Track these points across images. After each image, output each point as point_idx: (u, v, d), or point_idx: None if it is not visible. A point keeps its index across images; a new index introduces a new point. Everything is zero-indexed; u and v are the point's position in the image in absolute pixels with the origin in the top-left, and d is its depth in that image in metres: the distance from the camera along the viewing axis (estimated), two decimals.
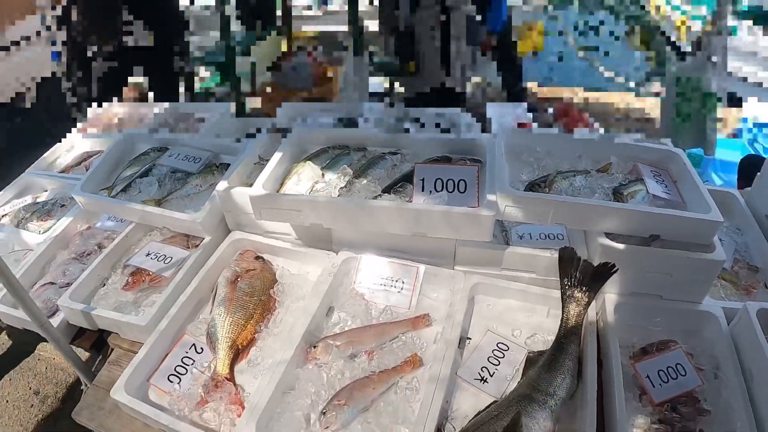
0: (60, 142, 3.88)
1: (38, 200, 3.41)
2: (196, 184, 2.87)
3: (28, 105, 6.63)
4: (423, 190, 2.31)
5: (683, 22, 6.30)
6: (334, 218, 2.33)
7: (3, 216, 3.31)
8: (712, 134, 4.74)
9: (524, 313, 2.38)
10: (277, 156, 2.53)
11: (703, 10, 6.08)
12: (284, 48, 6.17)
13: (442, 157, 2.58)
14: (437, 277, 2.41)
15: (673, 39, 6.33)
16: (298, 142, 2.71)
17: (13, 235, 3.10)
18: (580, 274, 2.18)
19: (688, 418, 1.95)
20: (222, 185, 2.53)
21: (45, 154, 3.78)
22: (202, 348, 2.26)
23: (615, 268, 2.17)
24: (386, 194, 2.37)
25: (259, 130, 3.47)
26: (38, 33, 6.52)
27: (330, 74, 5.83)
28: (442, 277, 2.41)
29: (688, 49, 5.63)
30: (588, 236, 2.45)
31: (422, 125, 3.04)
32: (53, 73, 6.63)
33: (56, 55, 6.16)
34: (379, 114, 3.15)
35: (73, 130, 4.00)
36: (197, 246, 2.70)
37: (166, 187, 2.89)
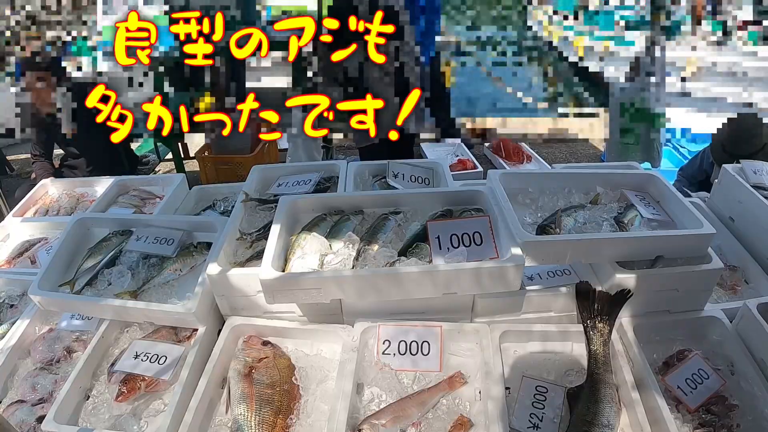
0: None
1: None
2: (174, 269, 2.61)
3: None
4: (440, 248, 2.24)
5: (580, 41, 6.57)
6: (360, 291, 2.18)
7: None
8: (659, 148, 5.05)
9: (551, 352, 2.37)
10: (275, 230, 2.35)
11: (599, 30, 6.35)
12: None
13: (445, 211, 2.52)
14: (461, 333, 2.33)
15: (571, 58, 6.59)
16: (290, 212, 2.54)
17: None
18: (599, 305, 2.26)
19: (722, 416, 2.07)
20: (213, 268, 2.32)
21: None
22: None
23: (630, 294, 2.26)
24: (403, 257, 2.26)
25: (213, 205, 3.29)
26: None
27: (267, 134, 5.66)
28: (466, 332, 2.33)
29: (592, 68, 5.91)
30: (596, 266, 2.50)
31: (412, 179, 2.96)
32: None
33: None
34: (356, 171, 3.03)
35: (7, 216, 3.63)
36: (189, 338, 2.47)
37: (140, 276, 2.62)
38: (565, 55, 6.79)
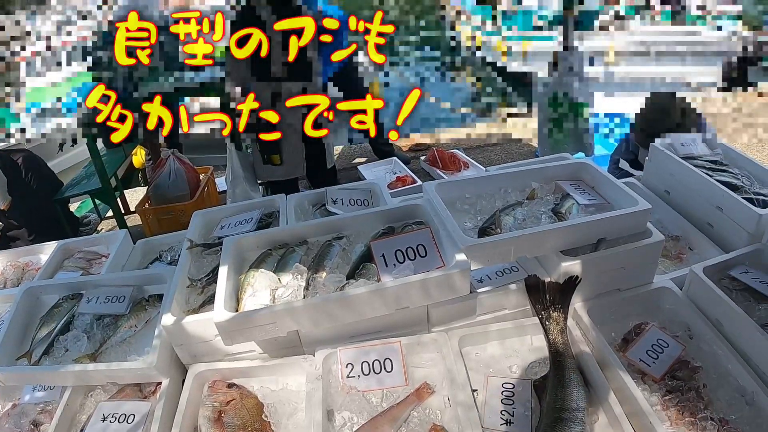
0: None
1: None
2: (129, 325, 2.58)
3: None
4: (387, 266, 2.27)
5: (501, 44, 6.70)
6: (313, 320, 2.20)
7: None
8: (589, 138, 5.18)
9: (510, 349, 2.42)
10: (223, 272, 2.35)
11: (517, 30, 6.49)
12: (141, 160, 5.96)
13: (387, 229, 2.55)
14: (420, 345, 2.36)
15: (495, 62, 6.72)
16: (236, 252, 2.54)
17: None
18: (550, 296, 2.32)
19: (688, 379, 2.14)
20: (168, 319, 2.30)
21: None
22: None
23: (579, 280, 2.33)
24: (352, 280, 2.28)
25: (160, 256, 3.27)
26: None
27: (205, 177, 5.65)
28: (425, 343, 2.36)
29: (514, 68, 6.06)
30: (542, 259, 2.57)
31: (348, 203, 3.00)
32: None
33: None
34: (296, 203, 3.06)
35: None
36: (154, 393, 2.44)
37: (96, 338, 2.59)
38: (488, 59, 6.92)
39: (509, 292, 2.42)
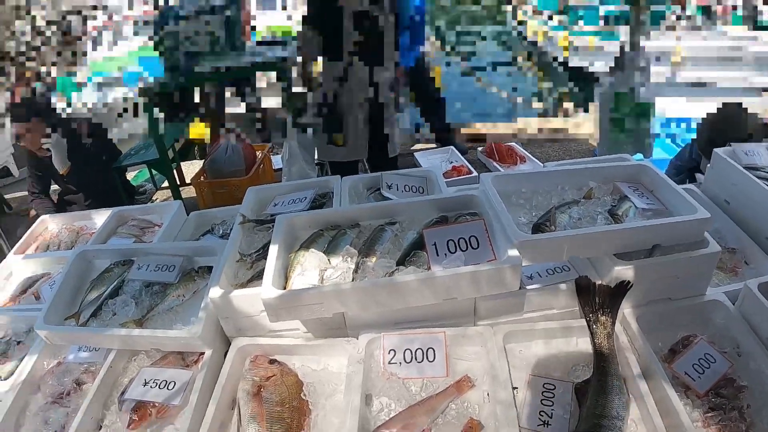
0: None
1: None
2: (177, 294, 2.62)
3: None
4: (438, 255, 2.24)
5: (566, 38, 6.59)
6: (361, 303, 2.20)
7: None
8: (649, 139, 5.05)
9: (555, 349, 2.37)
10: (273, 249, 2.37)
11: (583, 26, 6.38)
12: (209, 134, 6.03)
13: (440, 218, 2.53)
14: (465, 337, 2.33)
15: (558, 56, 6.63)
16: (287, 230, 2.55)
17: None
18: (600, 299, 2.26)
19: (732, 398, 2.07)
20: (216, 291, 2.33)
21: None
22: None
23: (630, 285, 2.26)
24: (402, 267, 2.28)
25: (212, 229, 3.30)
26: None
27: (262, 154, 5.68)
28: (470, 335, 2.33)
29: (578, 64, 5.94)
30: (594, 260, 2.51)
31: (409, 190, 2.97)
32: None
33: None
34: (350, 186, 3.05)
35: (9, 254, 3.66)
36: (196, 362, 2.48)
37: (143, 305, 2.63)
38: (551, 53, 6.83)
39: (558, 292, 2.38)
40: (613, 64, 4.95)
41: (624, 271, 2.28)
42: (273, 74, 5.16)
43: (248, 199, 3.06)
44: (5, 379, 2.73)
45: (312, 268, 2.31)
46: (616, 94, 4.79)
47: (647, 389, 2.05)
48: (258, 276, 2.41)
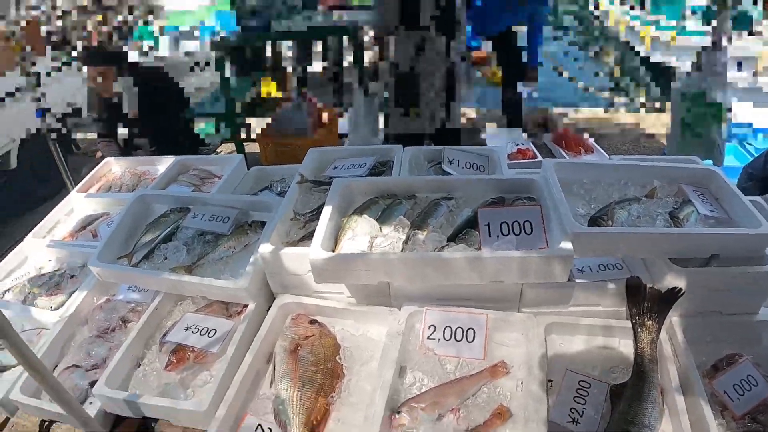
0: (44, 203, 3.65)
1: (43, 272, 3.17)
2: (229, 246, 2.66)
3: (12, 166, 6.38)
4: (490, 236, 2.23)
5: (647, 32, 6.41)
6: (407, 275, 2.20)
7: (5, 291, 3.06)
8: (722, 145, 4.86)
9: (596, 347, 2.33)
10: (327, 211, 2.38)
11: (667, 20, 6.20)
12: (277, 92, 6.07)
13: (497, 199, 2.50)
14: (506, 323, 2.31)
15: (638, 49, 6.45)
16: (343, 194, 2.56)
17: (22, 313, 2.83)
18: (648, 302, 2.21)
19: None
20: (266, 247, 2.37)
21: (44, 219, 3.52)
22: (269, 429, 2.06)
23: (682, 292, 2.20)
24: (452, 243, 2.26)
25: (270, 186, 3.33)
26: (20, 88, 6.29)
27: (327, 117, 5.70)
28: (512, 321, 2.30)
29: (658, 59, 5.75)
30: (648, 262, 2.45)
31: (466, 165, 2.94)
32: (37, 130, 6.38)
33: (41, 113, 5.94)
34: (411, 156, 3.03)
35: (72, 191, 3.77)
36: (239, 314, 2.53)
37: (195, 252, 2.68)
38: (632, 45, 6.66)
39: (607, 290, 2.33)
40: (691, 62, 4.77)
41: (677, 278, 2.23)
42: (345, 38, 5.17)
43: (309, 159, 3.08)
44: (55, 309, 2.84)
45: (362, 234, 2.32)
46: (692, 94, 4.61)
47: (683, 404, 1.99)
48: (310, 236, 2.42)
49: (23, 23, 6.90)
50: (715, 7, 4.77)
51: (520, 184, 2.58)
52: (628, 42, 6.64)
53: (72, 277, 3.05)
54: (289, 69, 5.81)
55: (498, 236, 2.22)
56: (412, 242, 2.29)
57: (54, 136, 5.69)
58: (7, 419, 3.07)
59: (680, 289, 2.20)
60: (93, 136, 5.34)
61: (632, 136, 6.97)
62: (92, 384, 2.37)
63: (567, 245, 2.09)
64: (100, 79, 4.80)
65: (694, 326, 2.28)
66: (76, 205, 3.70)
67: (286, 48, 5.85)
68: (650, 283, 2.30)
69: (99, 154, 5.18)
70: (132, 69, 4.97)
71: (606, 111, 7.52)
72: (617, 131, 7.07)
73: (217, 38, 5.45)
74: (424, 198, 2.60)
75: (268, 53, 5.73)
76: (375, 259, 2.17)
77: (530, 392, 2.03)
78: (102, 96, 4.97)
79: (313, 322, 2.40)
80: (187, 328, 2.41)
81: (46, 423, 2.56)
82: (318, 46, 5.61)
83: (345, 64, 5.60)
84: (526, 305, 2.37)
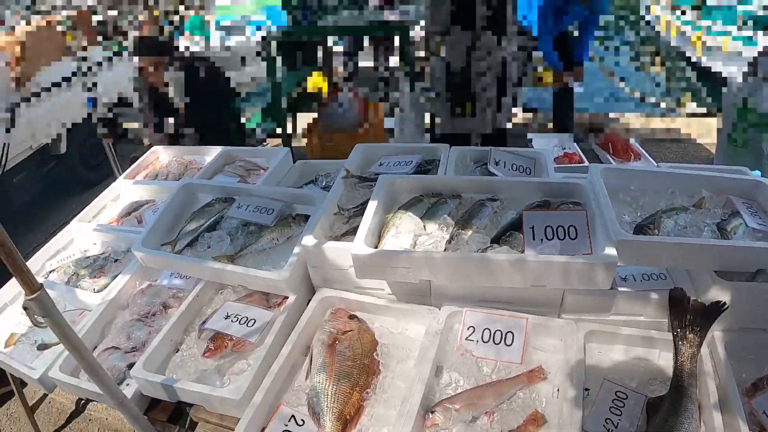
0: (91, 189, 3.74)
1: (88, 254, 3.24)
2: (272, 237, 2.68)
3: (62, 151, 6.54)
4: (534, 239, 2.22)
5: (698, 38, 6.28)
6: (450, 274, 2.20)
7: (51, 272, 3.14)
8: None
9: (635, 358, 2.29)
10: (372, 207, 2.40)
11: (719, 25, 6.05)
12: (325, 86, 6.10)
13: (543, 202, 2.48)
14: (546, 328, 2.29)
15: (689, 55, 6.30)
16: (388, 190, 2.57)
17: (66, 294, 2.92)
18: (691, 315, 2.16)
19: None
20: (309, 240, 2.39)
21: (91, 204, 3.61)
22: (303, 420, 2.09)
23: (726, 307, 2.15)
24: (495, 245, 2.25)
25: (316, 180, 3.34)
26: (74, 74, 6.44)
27: (374, 113, 5.71)
28: (551, 327, 2.29)
29: (708, 65, 5.60)
30: (693, 274, 2.41)
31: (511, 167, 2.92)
32: (87, 117, 6.52)
33: (91, 102, 6.07)
34: (458, 156, 3.03)
35: (119, 177, 3.84)
36: (279, 305, 2.55)
37: (238, 242, 2.71)
38: (683, 51, 6.52)
39: (650, 300, 2.29)
40: (745, 69, 4.64)
41: (722, 291, 2.19)
42: (395, 36, 5.18)
43: (355, 155, 3.09)
44: (98, 291, 2.91)
45: (406, 232, 2.32)
46: (743, 102, 4.48)
47: (720, 421, 1.94)
48: (353, 231, 2.44)
49: (75, 13, 7.06)
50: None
51: (566, 188, 2.55)
52: (678, 47, 6.52)
53: (116, 261, 3.12)
54: (338, 65, 5.83)
55: (542, 240, 2.21)
56: (456, 242, 2.28)
57: (103, 124, 5.81)
58: (45, 395, 3.16)
59: (724, 303, 2.15)
60: (140, 125, 5.43)
61: (680, 143, 6.85)
62: (130, 366, 2.44)
63: (611, 252, 2.06)
64: (151, 69, 4.88)
65: (736, 342, 2.22)
66: (123, 191, 3.78)
67: (335, 43, 5.88)
68: (693, 295, 2.26)
69: (146, 142, 5.27)
70: (182, 60, 5.04)
71: (649, 116, 7.41)
72: (665, 138, 6.95)
73: (268, 32, 5.50)
74: (469, 198, 2.59)
75: (318, 48, 5.78)
76: (418, 258, 2.18)
77: (566, 399, 2.01)
78: (152, 86, 5.05)
79: (352, 317, 2.41)
80: (227, 317, 2.45)
81: (83, 401, 2.61)
82: (367, 43, 5.64)
83: (394, 61, 5.61)
84: (566, 311, 2.35)
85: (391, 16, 5.21)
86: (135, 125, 5.40)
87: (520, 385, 2.12)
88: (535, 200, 2.51)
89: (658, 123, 7.35)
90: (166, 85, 4.94)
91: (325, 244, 2.39)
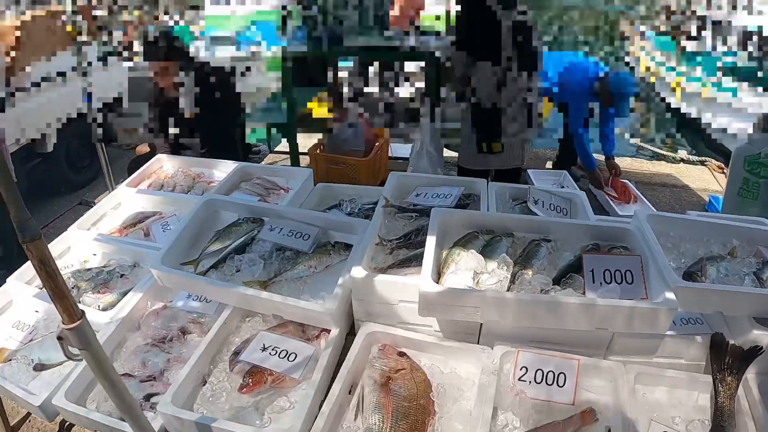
0: (75, 192, 3.56)
1: (88, 266, 3.04)
2: (309, 265, 2.59)
3: (49, 149, 6.23)
4: (593, 282, 2.24)
5: (678, 84, 6.45)
6: (516, 316, 2.19)
7: None
8: None
9: (676, 399, 2.32)
10: (431, 242, 2.36)
11: (698, 72, 6.23)
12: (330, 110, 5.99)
13: (594, 245, 2.52)
14: (596, 369, 2.29)
15: (668, 101, 6.49)
16: (441, 225, 2.53)
17: None
18: (730, 359, 2.24)
19: None
20: (359, 272, 2.31)
21: (89, 211, 3.37)
22: None
23: (762, 350, 2.24)
24: (557, 286, 2.26)
25: (340, 204, 3.27)
26: (73, 68, 6.16)
27: (381, 138, 5.63)
28: (602, 368, 2.29)
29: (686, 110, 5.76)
30: (729, 318, 2.47)
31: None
32: (78, 116, 6.23)
33: (88, 98, 5.81)
34: (498, 192, 3.04)
35: (121, 185, 3.67)
36: (317, 338, 2.46)
37: (272, 267, 2.61)
38: (662, 96, 6.71)
39: (692, 343, 2.35)
40: (754, 124, 4.80)
41: (761, 336, 2.26)
42: (419, 63, 5.16)
43: (390, 183, 3.05)
44: (103, 309, 2.69)
45: (466, 269, 2.29)
46: (755, 155, 4.62)
47: None
48: (399, 264, 2.41)
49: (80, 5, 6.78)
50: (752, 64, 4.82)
51: (614, 232, 2.60)
52: (658, 93, 6.70)
53: (122, 276, 2.93)
54: (346, 87, 5.75)
55: (601, 283, 2.24)
56: (519, 282, 2.28)
57: (98, 125, 5.57)
58: (28, 414, 2.91)
59: (761, 348, 2.24)
60: (132, 128, 5.22)
61: (672, 187, 7.01)
62: (147, 397, 2.28)
63: (671, 297, 2.11)
64: (163, 74, 4.69)
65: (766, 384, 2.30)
66: (125, 200, 3.60)
67: (345, 65, 5.81)
68: (730, 338, 2.33)
69: (144, 149, 5.08)
70: (196, 67, 4.87)
71: (646, 161, 7.61)
72: (656, 182, 7.12)
73: (283, 48, 5.38)
74: (521, 237, 2.60)
75: (330, 68, 5.70)
76: (489, 297, 2.15)
77: None
78: (160, 91, 4.84)
79: (401, 354, 2.34)
80: (264, 349, 2.31)
81: (67, 423, 2.46)
82: (378, 67, 5.59)
83: (404, 89, 5.58)
84: (613, 353, 2.36)
85: (413, 42, 5.18)
86: (133, 129, 5.18)
87: (575, 426, 2.10)
88: (584, 242, 2.55)
89: (647, 166, 7.54)
90: (176, 88, 4.74)
91: (376, 277, 2.33)
